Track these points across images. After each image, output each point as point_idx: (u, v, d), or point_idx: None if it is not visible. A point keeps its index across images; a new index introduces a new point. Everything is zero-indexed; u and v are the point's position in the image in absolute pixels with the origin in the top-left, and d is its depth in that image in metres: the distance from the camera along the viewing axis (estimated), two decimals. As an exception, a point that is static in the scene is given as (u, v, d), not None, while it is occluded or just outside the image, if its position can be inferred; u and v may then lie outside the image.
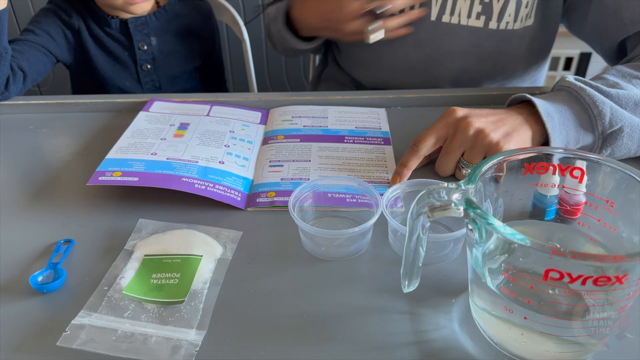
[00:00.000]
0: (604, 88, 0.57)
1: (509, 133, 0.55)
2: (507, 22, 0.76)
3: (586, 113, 0.56)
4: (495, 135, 0.54)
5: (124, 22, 0.96)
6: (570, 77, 0.60)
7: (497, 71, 0.83)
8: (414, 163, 0.57)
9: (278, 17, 0.85)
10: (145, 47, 0.98)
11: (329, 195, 0.54)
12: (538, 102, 0.56)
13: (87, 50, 0.96)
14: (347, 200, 0.54)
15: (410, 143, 0.58)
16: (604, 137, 0.56)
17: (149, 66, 0.99)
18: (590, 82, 0.58)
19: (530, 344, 0.37)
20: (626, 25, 0.68)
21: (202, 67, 1.09)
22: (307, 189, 0.52)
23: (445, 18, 0.78)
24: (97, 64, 0.97)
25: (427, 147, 0.57)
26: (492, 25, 0.76)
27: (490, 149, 0.54)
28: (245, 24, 1.20)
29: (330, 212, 0.53)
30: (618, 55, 0.73)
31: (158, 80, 1.01)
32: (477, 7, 0.76)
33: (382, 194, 0.49)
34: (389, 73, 0.86)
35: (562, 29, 0.83)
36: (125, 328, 0.40)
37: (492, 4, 0.75)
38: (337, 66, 0.96)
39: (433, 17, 0.78)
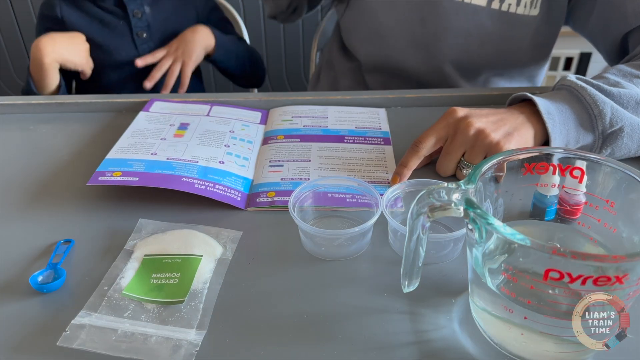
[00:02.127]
0: (605, 87, 0.57)
1: (510, 133, 0.55)
2: (510, 4, 0.78)
3: (587, 112, 0.56)
4: (495, 135, 0.54)
5: None
6: (571, 76, 0.59)
7: (498, 57, 0.84)
8: (414, 163, 0.57)
9: None
10: (140, 15, 1.00)
11: (329, 195, 0.54)
12: (539, 101, 0.56)
13: (81, 29, 0.98)
14: (347, 200, 0.54)
15: (410, 143, 0.58)
16: (604, 136, 0.56)
17: (144, 34, 1.01)
18: (592, 81, 0.58)
19: (530, 344, 0.37)
20: (628, 18, 0.68)
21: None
22: (307, 189, 0.52)
23: None
24: (95, 39, 0.99)
25: (427, 147, 0.57)
26: (495, 5, 0.78)
27: (491, 149, 0.54)
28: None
29: (330, 212, 0.53)
30: (620, 54, 0.73)
31: (155, 48, 1.03)
32: None
33: (382, 194, 0.49)
34: (393, 49, 0.87)
35: (563, 28, 0.83)
36: (125, 328, 0.40)
37: None
38: (339, 49, 0.96)
39: None
